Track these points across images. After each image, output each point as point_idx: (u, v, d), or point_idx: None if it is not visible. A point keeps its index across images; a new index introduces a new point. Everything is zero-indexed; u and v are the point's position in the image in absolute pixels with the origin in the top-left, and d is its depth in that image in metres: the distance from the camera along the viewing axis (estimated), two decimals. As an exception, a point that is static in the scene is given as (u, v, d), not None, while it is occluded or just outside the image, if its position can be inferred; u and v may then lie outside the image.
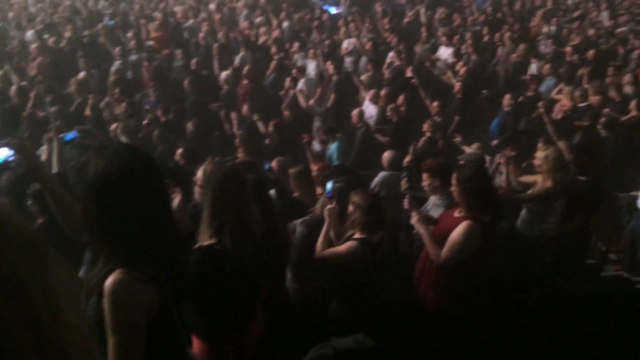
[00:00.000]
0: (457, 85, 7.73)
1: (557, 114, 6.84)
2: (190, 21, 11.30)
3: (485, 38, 10.03)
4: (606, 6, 12.06)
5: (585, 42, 9.37)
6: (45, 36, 9.92)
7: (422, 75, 8.34)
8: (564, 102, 7.00)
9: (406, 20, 11.45)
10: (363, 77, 8.41)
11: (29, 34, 10.40)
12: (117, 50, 9.31)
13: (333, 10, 12.86)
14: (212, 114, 7.81)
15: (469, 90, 7.77)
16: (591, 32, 10.23)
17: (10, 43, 9.89)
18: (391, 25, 10.73)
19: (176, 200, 2.45)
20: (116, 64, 9.07)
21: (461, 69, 8.27)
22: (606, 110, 6.71)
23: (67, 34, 10.11)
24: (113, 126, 6.53)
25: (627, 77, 7.75)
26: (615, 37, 9.90)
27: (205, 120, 7.51)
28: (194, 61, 8.78)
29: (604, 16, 11.26)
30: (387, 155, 5.42)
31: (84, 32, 10.34)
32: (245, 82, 8.27)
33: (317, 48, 9.52)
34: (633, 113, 6.74)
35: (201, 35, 10.13)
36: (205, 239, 2.45)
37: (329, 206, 3.49)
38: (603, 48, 9.42)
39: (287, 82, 8.10)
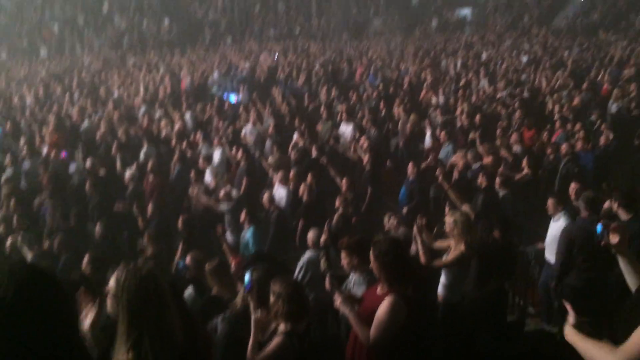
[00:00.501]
0: (366, 158, 7.99)
1: (455, 177, 7.20)
2: (86, 122, 11.02)
3: (382, 112, 10.58)
4: (484, 74, 13.26)
5: (471, 108, 10.11)
6: None
7: (328, 153, 8.59)
8: (459, 165, 7.40)
9: (306, 101, 11.89)
10: (270, 160, 8.50)
11: None
12: (7, 159, 8.79)
13: (233, 99, 13.13)
14: (118, 214, 7.47)
15: (375, 162, 8.06)
16: (474, 98, 11.09)
17: None
18: (291, 108, 11.09)
19: (89, 317, 2.23)
20: (7, 173, 8.54)
21: (364, 142, 8.58)
22: (501, 170, 7.16)
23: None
24: (10, 240, 6.04)
25: (514, 137, 8.41)
26: (496, 101, 10.79)
27: (112, 222, 7.16)
28: (89, 162, 8.44)
29: (484, 83, 12.30)
30: (311, 234, 5.40)
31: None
32: (150, 177, 8.06)
33: (221, 136, 9.56)
34: (525, 171, 7.25)
35: (99, 134, 9.87)
36: (121, 356, 2.23)
37: (253, 317, 3.34)
38: (487, 112, 10.23)
39: (192, 174, 7.99)
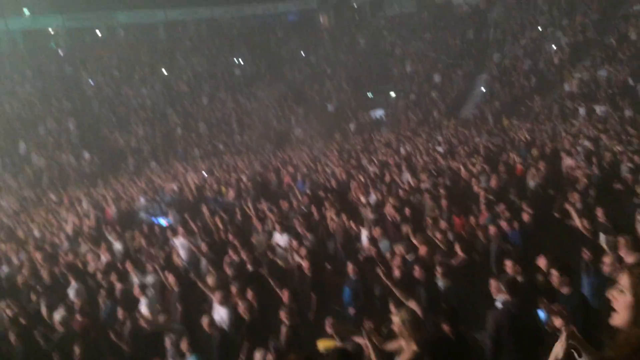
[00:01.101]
0: (305, 265, 7.89)
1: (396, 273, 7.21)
2: (5, 267, 10.36)
3: (315, 217, 10.67)
4: (405, 167, 13.82)
5: (399, 202, 10.38)
6: None
7: (266, 265, 8.45)
8: (396, 260, 7.44)
9: (237, 216, 11.83)
10: (208, 281, 8.21)
11: None
12: None
13: (163, 222, 12.86)
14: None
15: (316, 268, 7.97)
16: (401, 192, 11.45)
17: None
18: (223, 223, 10.96)
19: None
20: None
21: (300, 249, 8.52)
22: (437, 258, 7.26)
23: None
24: None
25: (444, 225, 8.65)
26: (421, 192, 11.17)
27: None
28: (10, 311, 7.82)
29: (407, 176, 12.79)
30: (258, 356, 5.15)
31: None
32: (78, 317, 7.52)
33: (154, 261, 9.23)
34: (461, 255, 7.39)
35: (21, 278, 9.26)
36: None
37: None
38: (415, 204, 10.56)
39: (121, 314, 7.57)
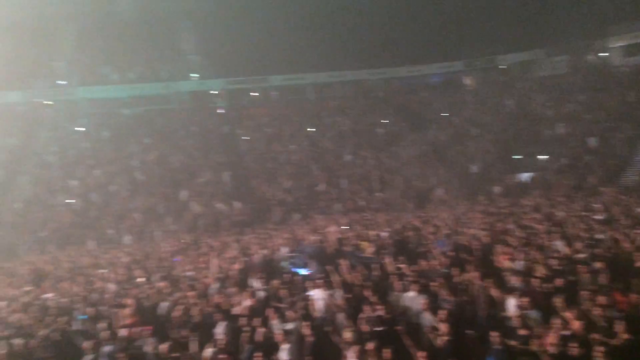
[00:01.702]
0: (444, 328, 7.64)
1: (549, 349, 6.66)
2: (163, 304, 11.30)
3: (456, 279, 10.29)
4: (557, 234, 12.88)
5: (550, 272, 9.67)
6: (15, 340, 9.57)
7: (403, 324, 8.29)
8: (552, 334, 6.88)
9: (375, 272, 11.80)
10: (344, 335, 8.22)
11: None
12: (88, 344, 8.98)
13: (303, 272, 13.23)
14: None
15: (455, 332, 7.67)
16: (551, 261, 10.66)
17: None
18: (361, 279, 10.99)
19: None
20: (86, 359, 8.66)
21: (440, 311, 8.26)
22: (595, 336, 6.61)
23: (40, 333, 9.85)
24: None
25: (604, 300, 7.85)
26: (576, 262, 10.29)
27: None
28: (164, 347, 8.49)
29: (559, 245, 11.89)
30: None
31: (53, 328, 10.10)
32: (223, 356, 7.95)
33: (293, 310, 9.49)
34: (623, 336, 6.66)
35: (176, 315, 10.05)
36: None
37: None
38: (568, 274, 9.73)
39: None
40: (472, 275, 9.98)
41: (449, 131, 37.84)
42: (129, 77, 43.79)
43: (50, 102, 41.67)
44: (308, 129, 39.19)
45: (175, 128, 38.83)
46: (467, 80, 47.55)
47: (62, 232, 27.32)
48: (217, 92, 45.22)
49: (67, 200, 30.19)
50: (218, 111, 43.01)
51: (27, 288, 14.78)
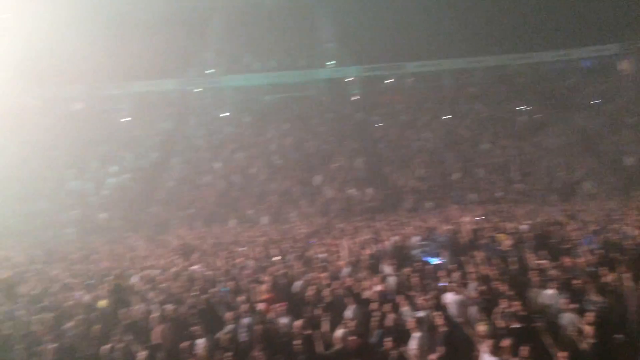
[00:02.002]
0: (589, 330, 7.11)
1: None
2: (297, 283, 11.76)
3: (608, 277, 9.48)
4: None
5: None
6: (166, 306, 10.58)
7: (542, 322, 7.83)
8: None
9: (512, 266, 11.26)
10: (478, 328, 7.95)
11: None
12: (229, 314, 9.67)
13: (434, 262, 13.00)
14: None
15: (602, 335, 7.08)
16: None
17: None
18: (497, 272, 10.54)
19: None
20: (227, 328, 9.32)
21: (586, 313, 7.68)
22: None
23: (188, 301, 10.81)
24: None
25: None
26: None
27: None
28: (298, 323, 8.85)
29: None
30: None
31: (200, 298, 11.00)
32: (354, 337, 8.13)
33: (425, 299, 9.36)
34: None
35: (309, 294, 10.43)
36: None
37: None
38: None
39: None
40: (624, 276, 9.10)
41: (601, 119, 34.66)
42: (269, 66, 45.85)
43: (199, 90, 45.01)
44: (443, 117, 38.18)
45: (311, 114, 40.02)
46: (623, 64, 43.04)
47: (208, 210, 29.51)
48: (352, 80, 45.71)
49: (212, 181, 32.55)
50: (353, 98, 43.47)
51: (177, 259, 16.23)
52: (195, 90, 45.11)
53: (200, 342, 8.75)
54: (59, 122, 39.81)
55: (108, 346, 8.76)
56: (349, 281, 11.22)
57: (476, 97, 40.60)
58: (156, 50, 39.61)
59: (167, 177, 34.03)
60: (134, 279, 13.40)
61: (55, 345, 8.99)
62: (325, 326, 8.87)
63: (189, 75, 45.07)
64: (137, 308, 10.71)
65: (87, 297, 11.95)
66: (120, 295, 11.71)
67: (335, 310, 9.53)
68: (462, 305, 9.38)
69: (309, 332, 8.54)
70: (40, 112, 41.03)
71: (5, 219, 27.99)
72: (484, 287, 9.75)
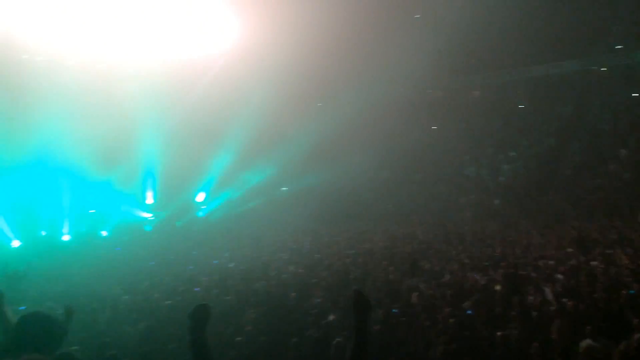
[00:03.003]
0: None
1: None
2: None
3: None
4: None
5: None
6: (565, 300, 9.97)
7: None
8: None
9: None
10: None
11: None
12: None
13: None
14: None
15: None
16: None
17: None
18: None
19: None
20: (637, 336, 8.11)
21: None
22: None
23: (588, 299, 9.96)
24: None
25: None
26: None
27: None
28: None
29: None
30: None
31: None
32: None
33: None
34: None
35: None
36: None
37: None
38: None
39: None
40: None
41: None
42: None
43: (605, 69, 40.48)
44: None
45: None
46: None
47: (610, 201, 26.47)
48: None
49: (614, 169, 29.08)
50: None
51: (574, 252, 15.07)
52: (600, 69, 40.73)
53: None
54: (458, 110, 41.95)
55: (501, 333, 8.71)
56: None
57: None
58: (557, 30, 37.44)
59: (565, 164, 32.09)
60: (529, 268, 13.12)
61: (452, 320, 9.44)
62: None
63: (593, 53, 40.96)
64: (532, 298, 10.44)
65: (483, 280, 12.30)
66: (515, 281, 11.62)
67: None
68: None
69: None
70: (441, 102, 44.03)
71: (412, 201, 31.56)
72: None
